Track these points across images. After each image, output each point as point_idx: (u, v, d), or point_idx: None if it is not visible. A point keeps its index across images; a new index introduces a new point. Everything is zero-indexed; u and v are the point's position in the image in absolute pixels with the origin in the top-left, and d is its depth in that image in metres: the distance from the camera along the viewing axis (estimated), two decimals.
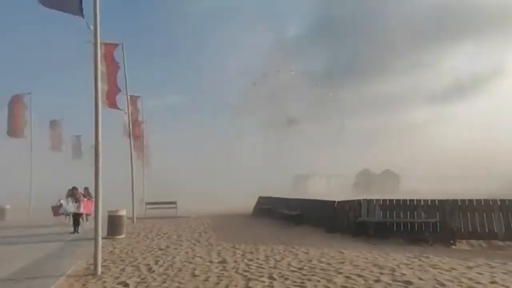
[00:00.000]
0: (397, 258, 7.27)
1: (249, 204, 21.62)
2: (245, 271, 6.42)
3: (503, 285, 5.25)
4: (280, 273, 6.19)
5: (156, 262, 7.38)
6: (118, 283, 5.83)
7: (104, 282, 5.94)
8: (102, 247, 7.39)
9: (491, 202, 9.66)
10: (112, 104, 15.07)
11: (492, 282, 5.42)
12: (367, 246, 9.07)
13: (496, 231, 9.38)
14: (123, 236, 11.60)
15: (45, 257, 8.28)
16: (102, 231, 6.96)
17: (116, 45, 15.37)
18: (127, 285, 5.72)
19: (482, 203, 9.77)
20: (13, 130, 20.66)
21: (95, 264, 6.61)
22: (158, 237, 11.46)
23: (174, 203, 20.65)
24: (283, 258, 7.43)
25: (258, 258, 7.49)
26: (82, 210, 13.35)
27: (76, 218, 13.12)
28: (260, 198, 21.11)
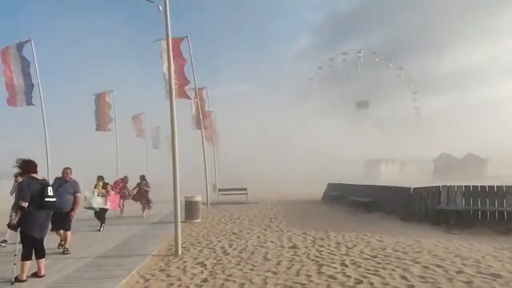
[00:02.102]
0: (483, 249, 6.71)
1: (318, 191, 21.47)
2: (317, 257, 6.46)
3: None
4: (353, 260, 6.11)
5: (230, 245, 7.75)
6: (197, 263, 6.26)
7: (185, 262, 6.42)
8: (181, 230, 7.96)
9: None
10: (182, 95, 15.83)
11: None
12: (447, 235, 8.51)
13: None
14: (199, 220, 12.34)
15: (132, 238, 9.18)
16: (180, 215, 7.51)
17: (182, 38, 16.03)
18: (204, 265, 6.12)
19: None
20: (100, 124, 22.88)
21: (176, 245, 7.16)
22: (231, 222, 11.98)
23: (245, 189, 21.32)
24: (355, 246, 7.30)
25: (329, 245, 7.46)
26: (108, 205, 10.63)
27: (101, 215, 10.70)
28: (330, 184, 20.82)
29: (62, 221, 7.16)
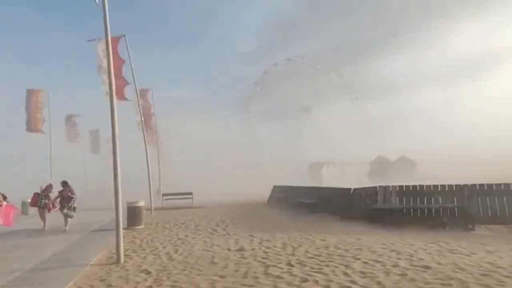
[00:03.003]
0: (415, 244, 7.26)
1: (264, 194, 21.76)
2: (263, 258, 6.52)
3: None
4: (298, 259, 6.27)
5: (176, 251, 7.56)
6: (141, 271, 6.00)
7: (127, 270, 6.13)
8: (124, 237, 7.60)
9: (511, 186, 9.51)
10: (121, 97, 15.15)
11: None
12: (384, 232, 9.07)
13: None
14: (142, 226, 11.87)
15: (71, 247, 8.56)
16: (122, 221, 7.16)
17: (119, 37, 15.37)
18: (149, 272, 5.89)
19: (502, 187, 9.63)
20: (31, 125, 21.17)
21: (118, 253, 6.81)
22: (176, 227, 11.68)
23: (190, 194, 20.96)
24: (300, 245, 7.50)
25: (275, 246, 7.58)
26: None
27: None
28: (275, 187, 21.21)
29: None
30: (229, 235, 9.45)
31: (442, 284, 4.64)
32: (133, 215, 11.88)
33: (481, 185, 9.83)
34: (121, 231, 6.93)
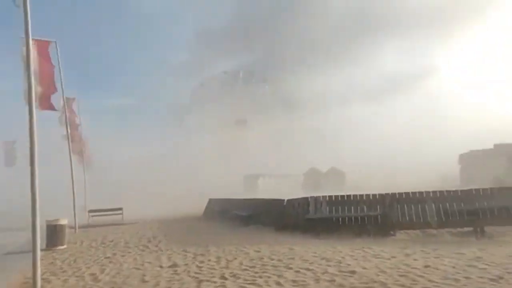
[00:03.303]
0: (343, 251, 7.64)
1: (199, 207, 21.38)
2: (197, 273, 6.37)
3: (435, 268, 5.76)
4: (232, 272, 6.23)
5: (102, 271, 7.06)
6: None
7: None
8: (42, 259, 6.90)
9: (424, 194, 10.51)
10: (47, 105, 14.00)
11: (426, 266, 5.92)
12: (315, 241, 9.42)
13: (429, 220, 10.21)
14: (64, 246, 10.90)
15: None
16: (40, 242, 6.50)
17: (49, 42, 14.34)
18: None
19: (417, 195, 10.59)
20: None
21: (34, 277, 6.14)
22: (104, 245, 10.93)
23: (120, 209, 19.83)
24: (235, 258, 7.47)
25: (209, 260, 7.46)
26: None
27: None
28: (211, 200, 20.99)
29: None
30: (162, 251, 9.08)
31: (366, 287, 4.93)
32: (54, 234, 10.87)
33: (400, 194, 10.71)
34: (38, 253, 6.28)
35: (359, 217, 10.75)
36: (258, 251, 8.12)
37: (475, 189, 10.56)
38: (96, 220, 19.43)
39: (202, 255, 8.10)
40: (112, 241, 11.76)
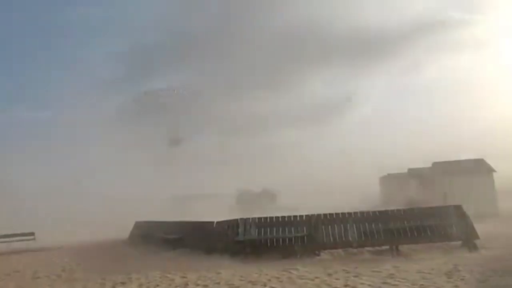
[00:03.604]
0: (269, 273, 7.69)
1: (125, 230, 20.12)
2: None
3: (353, 287, 6.05)
4: None
5: None
6: None
7: None
8: None
9: (346, 215, 11.11)
10: None
11: (346, 285, 6.20)
12: (243, 264, 9.35)
13: (351, 240, 10.76)
14: None
15: None
16: None
17: None
18: None
19: (340, 216, 11.15)
20: None
21: None
22: (7, 276, 9.68)
23: (32, 234, 17.88)
24: (157, 285, 7.12)
25: None
26: None
27: None
28: (137, 222, 19.91)
29: None
30: (76, 280, 8.31)
31: None
32: None
33: (325, 215, 11.19)
34: None
35: (286, 238, 10.95)
36: (184, 277, 7.83)
37: (391, 210, 11.45)
38: (2, 246, 17.23)
39: (122, 283, 7.58)
40: (18, 271, 10.48)
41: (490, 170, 20.77)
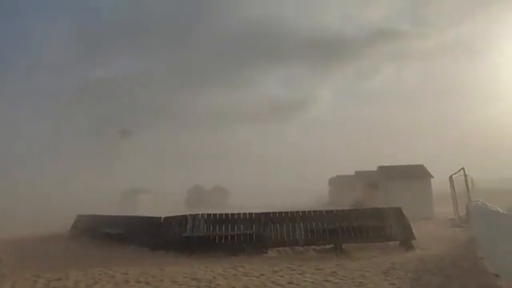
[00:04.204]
0: (215, 270, 7.63)
1: (66, 224, 18.97)
2: None
3: (297, 284, 6.18)
4: None
5: None
6: None
7: None
8: None
9: (294, 214, 11.34)
10: None
11: (289, 283, 6.31)
12: (188, 261, 9.21)
13: (298, 238, 11.00)
14: None
15: None
16: None
17: None
18: None
19: (289, 214, 11.35)
20: None
21: None
22: None
23: None
24: (96, 283, 6.78)
25: (65, 286, 6.61)
26: None
27: None
28: (79, 216, 18.85)
29: None
30: (5, 277, 7.68)
31: None
32: None
33: (274, 213, 11.34)
34: None
35: (235, 235, 10.96)
36: (126, 274, 7.53)
37: (336, 210, 11.86)
38: None
39: (58, 280, 7.14)
40: None
41: (428, 176, 22.23)
